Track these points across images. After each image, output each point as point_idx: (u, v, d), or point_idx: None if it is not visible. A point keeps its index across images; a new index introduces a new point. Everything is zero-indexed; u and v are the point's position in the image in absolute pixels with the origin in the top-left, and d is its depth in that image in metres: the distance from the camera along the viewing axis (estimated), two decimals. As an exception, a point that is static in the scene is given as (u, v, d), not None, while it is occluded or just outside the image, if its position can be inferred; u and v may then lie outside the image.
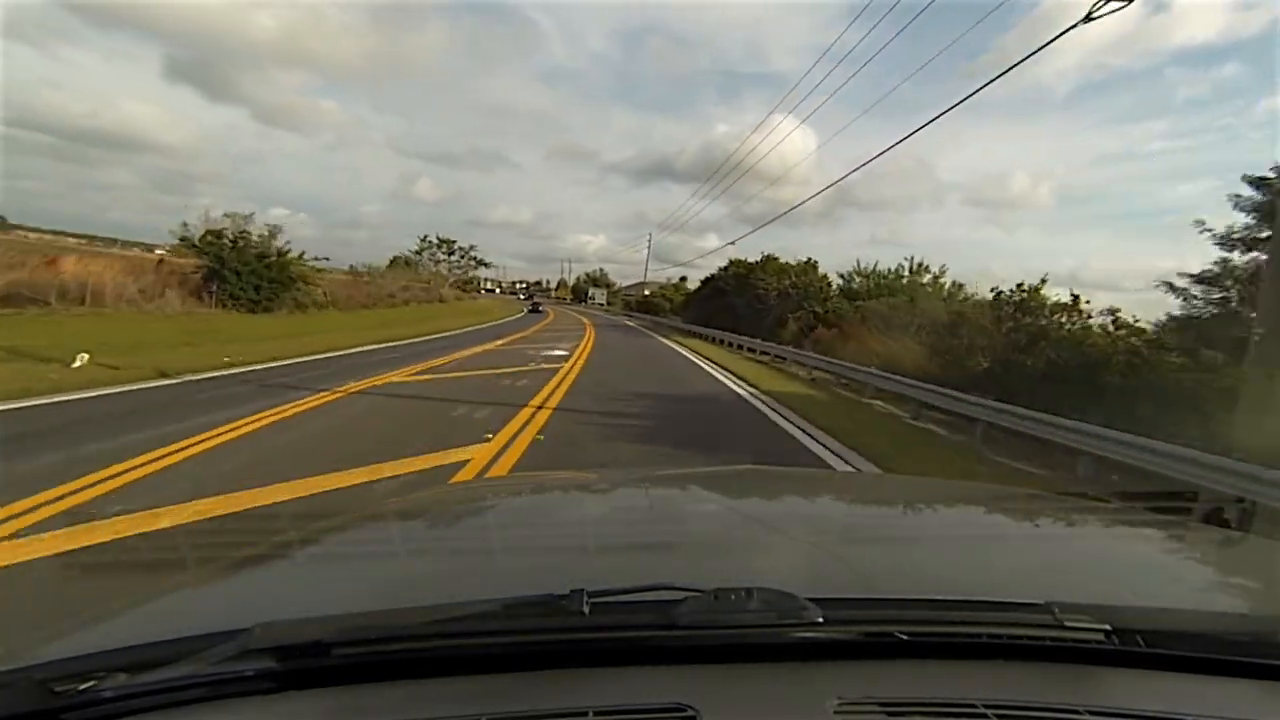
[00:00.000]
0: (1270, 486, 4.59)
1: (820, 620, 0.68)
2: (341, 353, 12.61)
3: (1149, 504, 5.40)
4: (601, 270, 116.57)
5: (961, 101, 9.27)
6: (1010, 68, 8.39)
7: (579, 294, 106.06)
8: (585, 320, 40.80)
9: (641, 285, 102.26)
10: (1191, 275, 10.31)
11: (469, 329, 24.08)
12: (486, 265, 61.90)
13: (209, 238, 19.67)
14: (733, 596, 0.69)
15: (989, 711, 0.62)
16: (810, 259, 27.97)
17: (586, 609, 0.67)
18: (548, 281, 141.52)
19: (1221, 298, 9.90)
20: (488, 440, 5.99)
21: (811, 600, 0.69)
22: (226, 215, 20.26)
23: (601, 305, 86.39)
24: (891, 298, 21.00)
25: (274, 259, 20.54)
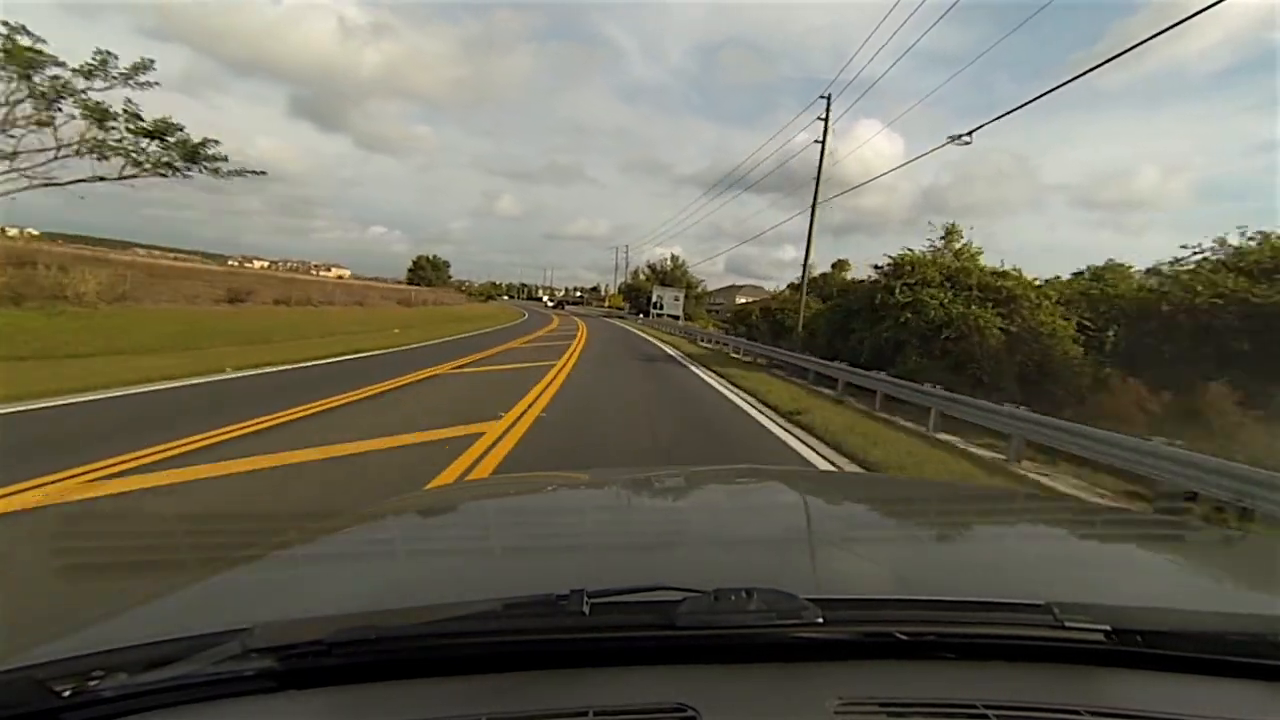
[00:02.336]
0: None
1: (820, 620, 0.68)
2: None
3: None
4: (675, 260, 65.29)
5: (1058, 87, 7.81)
6: (1124, 51, 6.89)
7: (636, 298, 64.88)
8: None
9: (734, 289, 70.31)
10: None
11: None
12: (243, 174, 17.21)
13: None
14: (733, 596, 0.69)
15: (989, 711, 0.62)
16: None
17: (586, 609, 0.67)
18: (606, 287, 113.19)
19: None
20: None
21: (811, 600, 0.69)
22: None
23: (675, 319, 48.49)
24: None
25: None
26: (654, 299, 54.18)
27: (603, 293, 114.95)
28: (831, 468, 5.98)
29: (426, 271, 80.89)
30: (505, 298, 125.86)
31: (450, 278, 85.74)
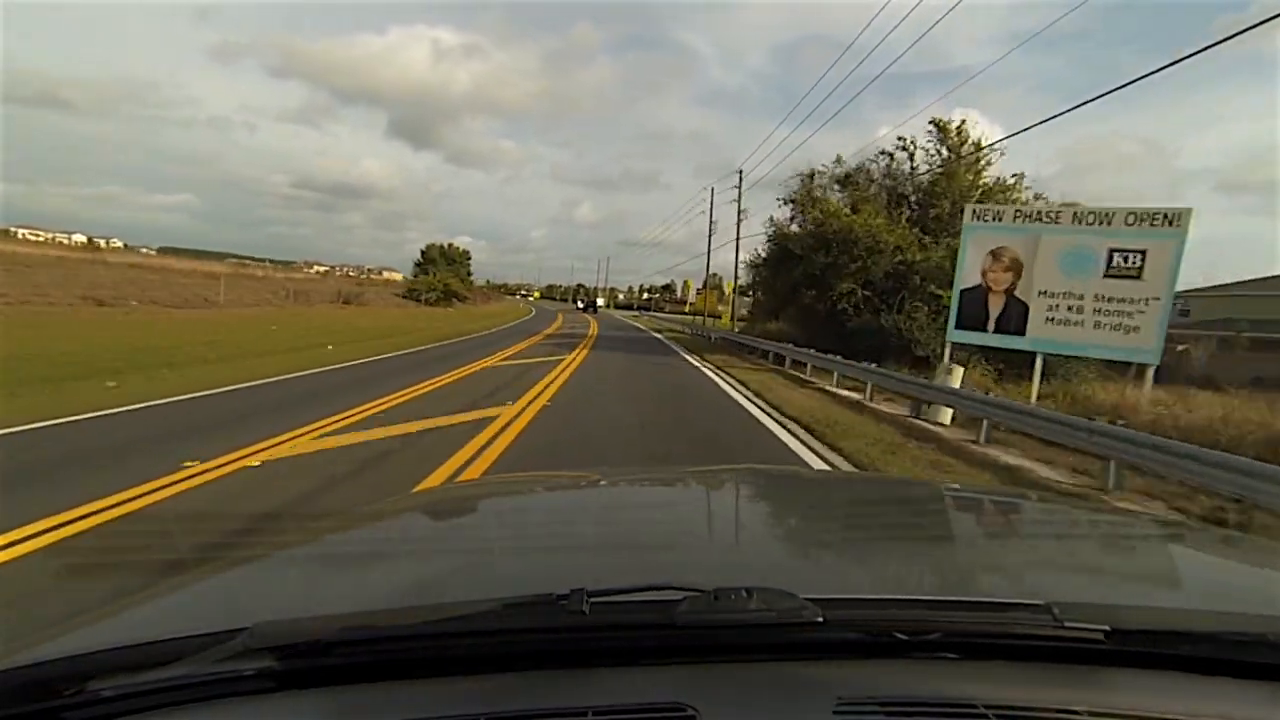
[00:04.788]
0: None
1: (820, 620, 0.68)
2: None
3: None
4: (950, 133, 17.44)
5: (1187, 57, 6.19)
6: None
7: (796, 293, 18.54)
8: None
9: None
10: None
11: None
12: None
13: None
14: (733, 596, 0.69)
15: (989, 711, 0.62)
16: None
17: (587, 609, 0.67)
18: (688, 283, 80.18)
19: None
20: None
21: (811, 600, 0.69)
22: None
23: None
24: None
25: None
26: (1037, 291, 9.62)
27: (679, 292, 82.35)
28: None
29: (438, 264, 55.98)
30: (531, 297, 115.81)
31: (470, 273, 63.23)
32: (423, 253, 57.96)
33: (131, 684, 0.64)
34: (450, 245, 59.68)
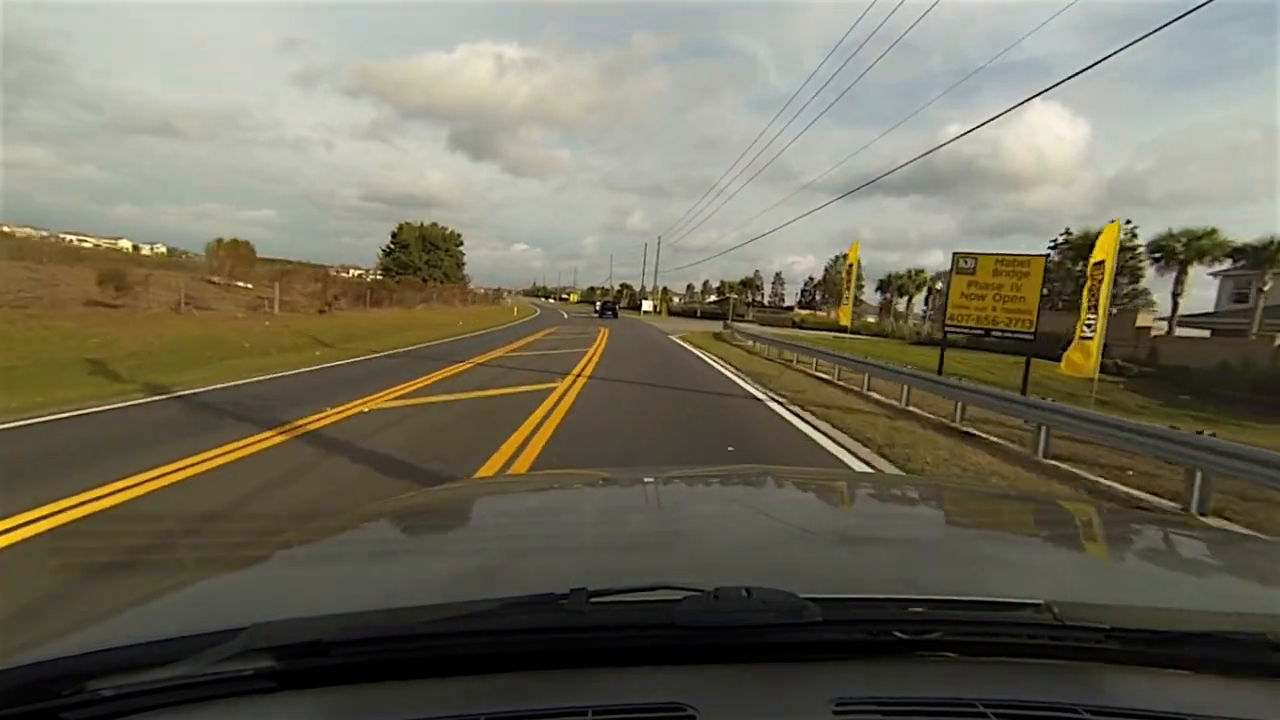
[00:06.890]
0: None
1: (820, 620, 0.68)
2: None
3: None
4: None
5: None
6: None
7: None
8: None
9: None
10: None
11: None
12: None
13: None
14: (732, 596, 0.69)
15: (989, 711, 0.62)
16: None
17: (587, 608, 0.67)
18: (756, 293, 70.58)
19: None
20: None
21: (811, 600, 0.69)
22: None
23: None
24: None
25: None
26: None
27: (769, 293, 62.21)
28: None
29: (412, 253, 40.22)
30: (568, 300, 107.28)
31: (462, 264, 45.60)
32: (394, 235, 40.41)
33: (131, 684, 0.64)
34: (432, 225, 43.08)
